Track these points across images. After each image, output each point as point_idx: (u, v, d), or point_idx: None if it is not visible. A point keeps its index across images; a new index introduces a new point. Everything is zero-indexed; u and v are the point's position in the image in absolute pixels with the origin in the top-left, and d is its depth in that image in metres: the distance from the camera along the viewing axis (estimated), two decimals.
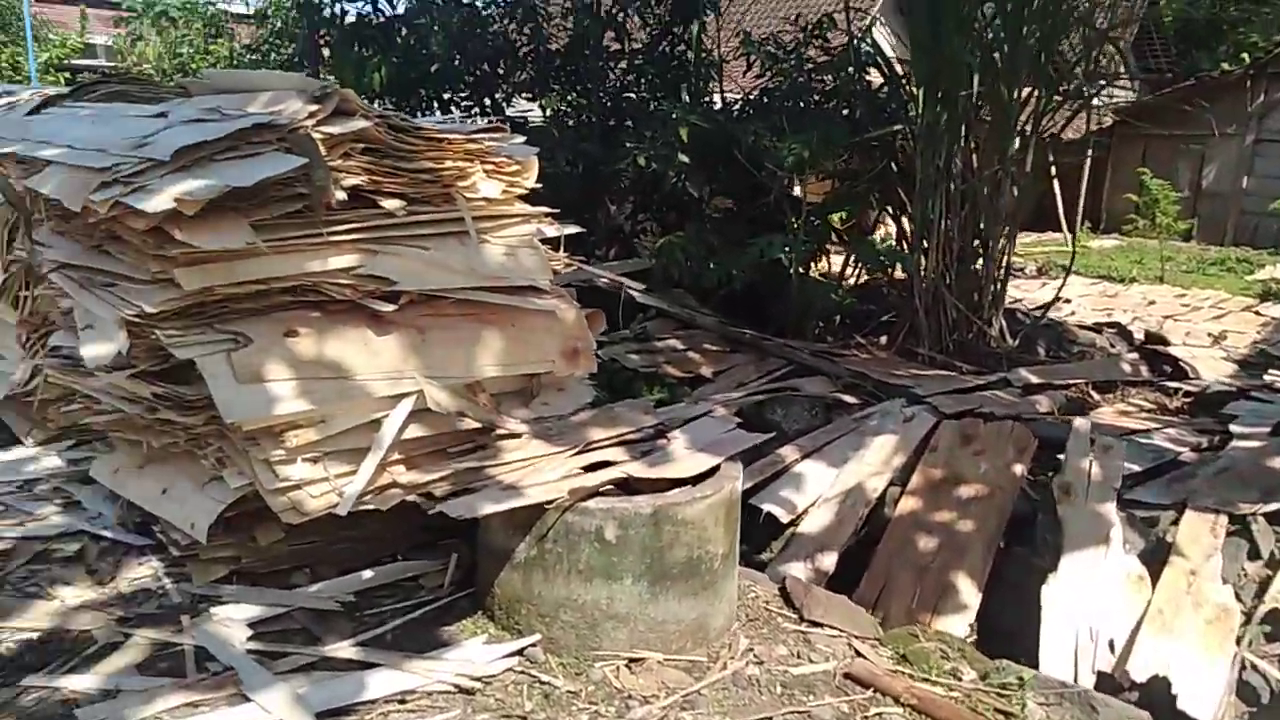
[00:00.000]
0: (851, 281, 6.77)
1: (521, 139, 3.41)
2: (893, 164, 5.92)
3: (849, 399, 4.85)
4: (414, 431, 2.84)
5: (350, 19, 6.16)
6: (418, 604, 2.88)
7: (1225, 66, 15.94)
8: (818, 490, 3.90)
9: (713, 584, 2.66)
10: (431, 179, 3.08)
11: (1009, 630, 3.24)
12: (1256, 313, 9.22)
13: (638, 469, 2.75)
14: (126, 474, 3.27)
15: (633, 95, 6.56)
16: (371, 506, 2.68)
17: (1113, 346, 6.86)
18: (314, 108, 2.85)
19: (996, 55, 5.54)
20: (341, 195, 2.72)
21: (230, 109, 2.86)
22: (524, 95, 6.17)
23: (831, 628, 2.88)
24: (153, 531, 3.21)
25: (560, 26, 6.21)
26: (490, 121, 3.52)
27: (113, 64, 16.95)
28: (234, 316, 2.67)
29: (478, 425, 3.01)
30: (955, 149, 5.67)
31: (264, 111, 2.85)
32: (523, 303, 3.14)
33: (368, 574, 3.01)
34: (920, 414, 4.38)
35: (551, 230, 3.45)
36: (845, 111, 6.00)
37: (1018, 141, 5.75)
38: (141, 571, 3.02)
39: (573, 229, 3.59)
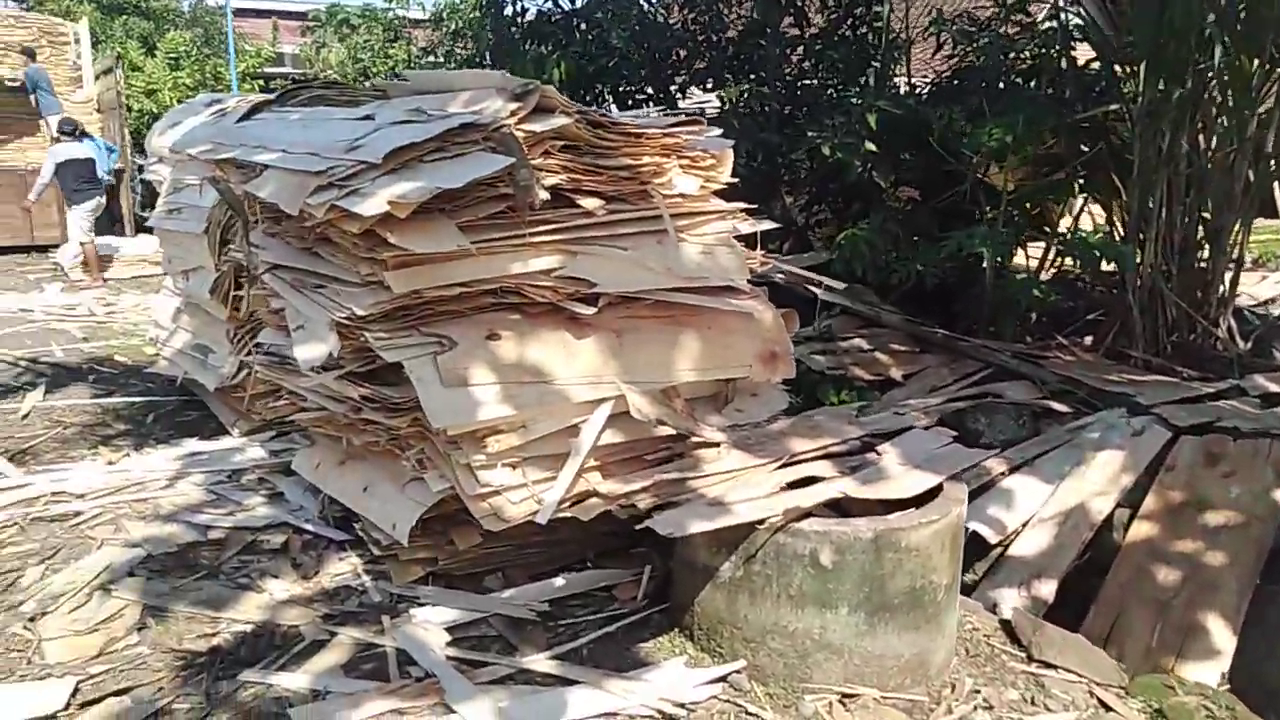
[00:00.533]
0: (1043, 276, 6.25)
1: (718, 131, 3.24)
2: (1104, 147, 5.38)
3: (1059, 407, 4.43)
4: (609, 438, 2.73)
5: (529, 16, 6.20)
6: (611, 616, 2.78)
7: None
8: (1030, 509, 3.56)
9: (935, 617, 2.42)
10: (628, 176, 2.97)
11: (1272, 683, 2.82)
12: None
13: (852, 487, 2.54)
14: (327, 469, 3.34)
15: (811, 82, 6.28)
16: (569, 515, 2.60)
17: None
18: (515, 105, 2.78)
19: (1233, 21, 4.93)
20: (544, 195, 2.64)
21: (433, 110, 2.83)
22: (701, 86, 6.01)
23: (1067, 671, 2.58)
24: (352, 527, 3.27)
25: (737, 14, 6.00)
26: (668, 113, 3.38)
27: (299, 71, 18.05)
28: (437, 319, 2.64)
29: (673, 432, 2.88)
30: (1181, 129, 5.09)
31: (466, 111, 2.81)
32: (720, 304, 2.98)
33: (559, 581, 2.94)
34: (1149, 426, 3.94)
35: (745, 226, 3.28)
36: (1049, 91, 5.50)
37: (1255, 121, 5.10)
38: (342, 567, 3.07)
39: (767, 224, 3.41)
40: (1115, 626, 3.05)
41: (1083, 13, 5.53)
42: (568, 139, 2.84)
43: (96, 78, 13.16)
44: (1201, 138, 5.36)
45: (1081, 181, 5.73)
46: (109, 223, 11.41)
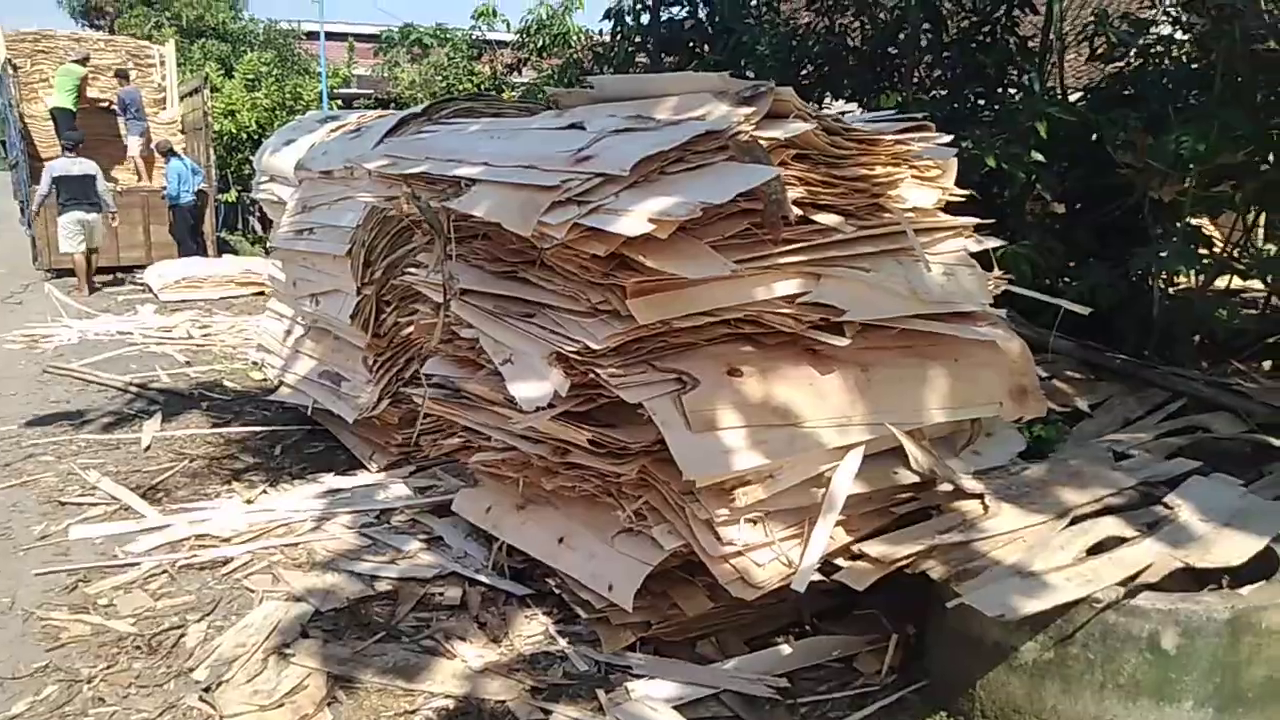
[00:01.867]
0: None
1: (947, 137, 2.88)
2: None
3: (1274, 442, 3.97)
4: (850, 487, 2.37)
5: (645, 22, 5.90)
6: (859, 694, 2.41)
7: None
8: None
9: None
10: (861, 188, 2.62)
11: None
12: None
13: (1166, 553, 2.14)
14: (503, 514, 3.02)
15: (946, 92, 5.89)
16: (827, 578, 2.24)
17: None
18: (746, 110, 2.45)
19: None
20: (797, 210, 2.30)
21: (656, 115, 2.52)
22: (843, 96, 5.67)
23: None
24: (531, 579, 2.95)
25: (882, 21, 5.63)
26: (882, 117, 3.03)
27: (368, 91, 18.08)
28: (669, 352, 2.31)
29: (916, 481, 2.52)
30: None
31: (692, 117, 2.49)
32: (967, 332, 2.62)
33: (786, 649, 2.58)
34: None
35: (974, 244, 2.92)
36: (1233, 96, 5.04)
37: None
38: (532, 628, 2.74)
39: (995, 241, 3.04)
40: None
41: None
42: (801, 147, 2.50)
43: (181, 99, 13.22)
44: None
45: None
46: (194, 243, 11.39)
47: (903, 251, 2.62)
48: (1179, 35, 5.44)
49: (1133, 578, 2.00)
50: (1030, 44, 6.28)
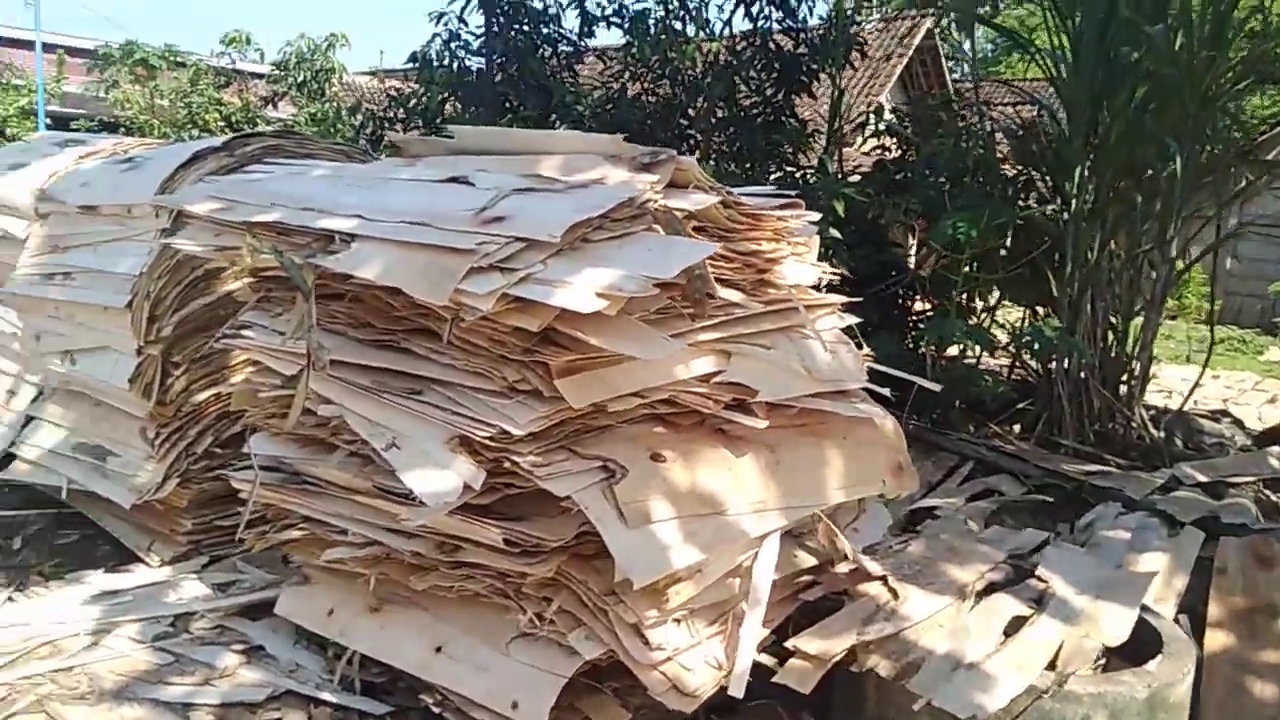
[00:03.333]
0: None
1: (816, 215, 2.93)
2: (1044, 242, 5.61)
3: (1050, 501, 4.41)
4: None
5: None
6: None
7: None
8: None
9: None
10: (752, 263, 2.58)
11: None
12: None
13: (1068, 633, 2.23)
14: (350, 618, 2.63)
15: (750, 164, 6.16)
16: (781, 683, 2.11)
17: (1233, 437, 6.59)
18: (648, 177, 2.33)
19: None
20: (720, 289, 2.20)
21: (537, 174, 2.33)
22: None
23: None
24: (388, 693, 2.57)
25: (680, 92, 5.77)
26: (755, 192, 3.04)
27: (82, 111, 16.04)
28: (586, 435, 2.10)
29: (814, 563, 2.48)
30: (1117, 229, 5.40)
31: (592, 180, 2.33)
32: (852, 410, 2.63)
33: None
34: (1149, 523, 3.96)
35: (840, 321, 2.98)
36: (991, 189, 5.68)
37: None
38: None
39: (852, 319, 3.13)
40: None
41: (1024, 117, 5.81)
42: (699, 220, 2.42)
43: None
44: (1125, 238, 5.71)
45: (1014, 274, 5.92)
46: None
47: (792, 329, 2.60)
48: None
49: (1053, 662, 2.05)
50: (809, 128, 6.77)
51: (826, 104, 6.41)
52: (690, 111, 6.01)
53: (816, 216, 2.94)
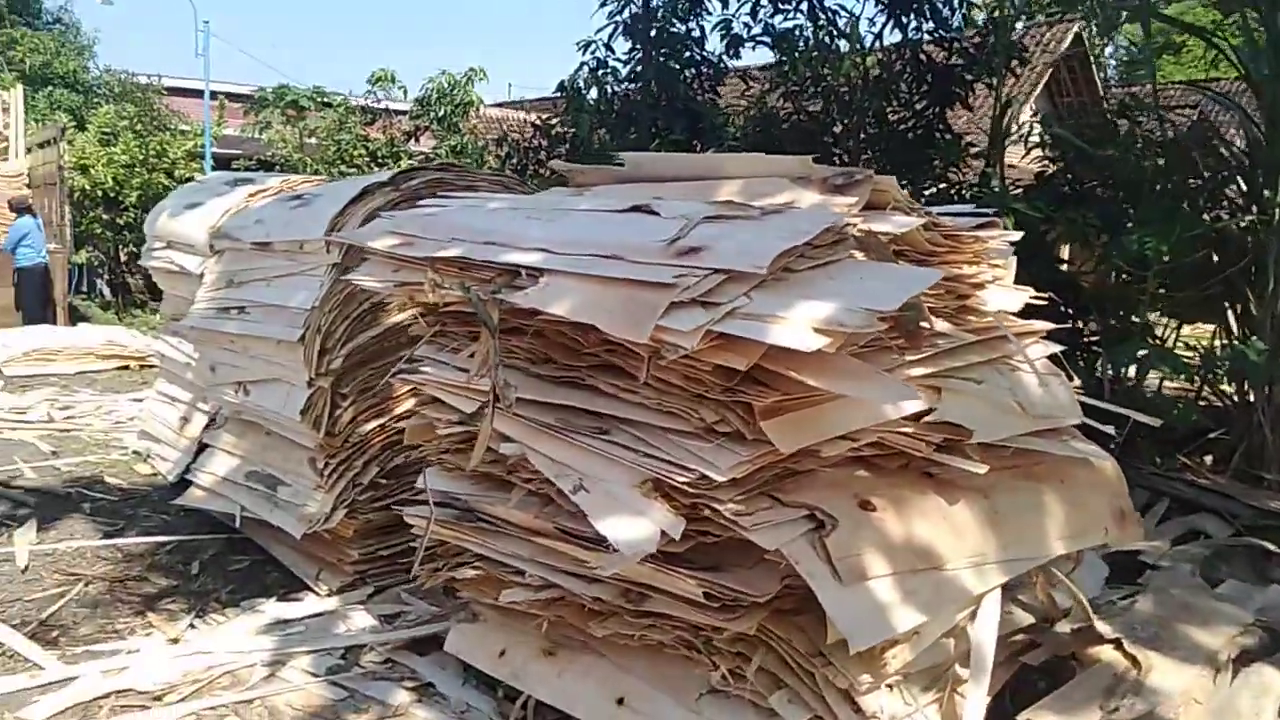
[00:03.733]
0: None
1: (1015, 234, 2.68)
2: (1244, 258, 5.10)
3: (1271, 548, 3.94)
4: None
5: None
6: None
7: None
8: None
9: None
10: (951, 288, 2.36)
11: None
12: None
13: None
14: (524, 661, 2.53)
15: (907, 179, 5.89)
16: None
17: None
18: (844, 200, 2.16)
19: None
20: (930, 320, 2.00)
21: (722, 200, 2.19)
22: None
23: None
24: None
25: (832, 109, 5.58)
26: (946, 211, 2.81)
27: (238, 151, 17.06)
28: (787, 480, 1.94)
29: (1031, 621, 2.23)
30: None
31: (782, 204, 2.18)
32: (1068, 450, 2.37)
33: None
34: None
35: (1045, 350, 2.72)
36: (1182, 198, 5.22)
37: None
38: None
39: (1055, 346, 2.85)
40: None
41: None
42: (900, 244, 2.22)
43: (29, 150, 12.00)
44: None
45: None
46: (43, 312, 10.18)
47: (1000, 359, 2.37)
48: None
49: None
50: (965, 140, 6.44)
51: (969, 115, 6.09)
52: (836, 129, 5.79)
53: (1016, 235, 2.71)
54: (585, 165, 2.98)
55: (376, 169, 11.17)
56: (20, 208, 10.11)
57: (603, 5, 5.54)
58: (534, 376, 2.25)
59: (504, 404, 2.09)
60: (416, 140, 11.23)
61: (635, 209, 2.29)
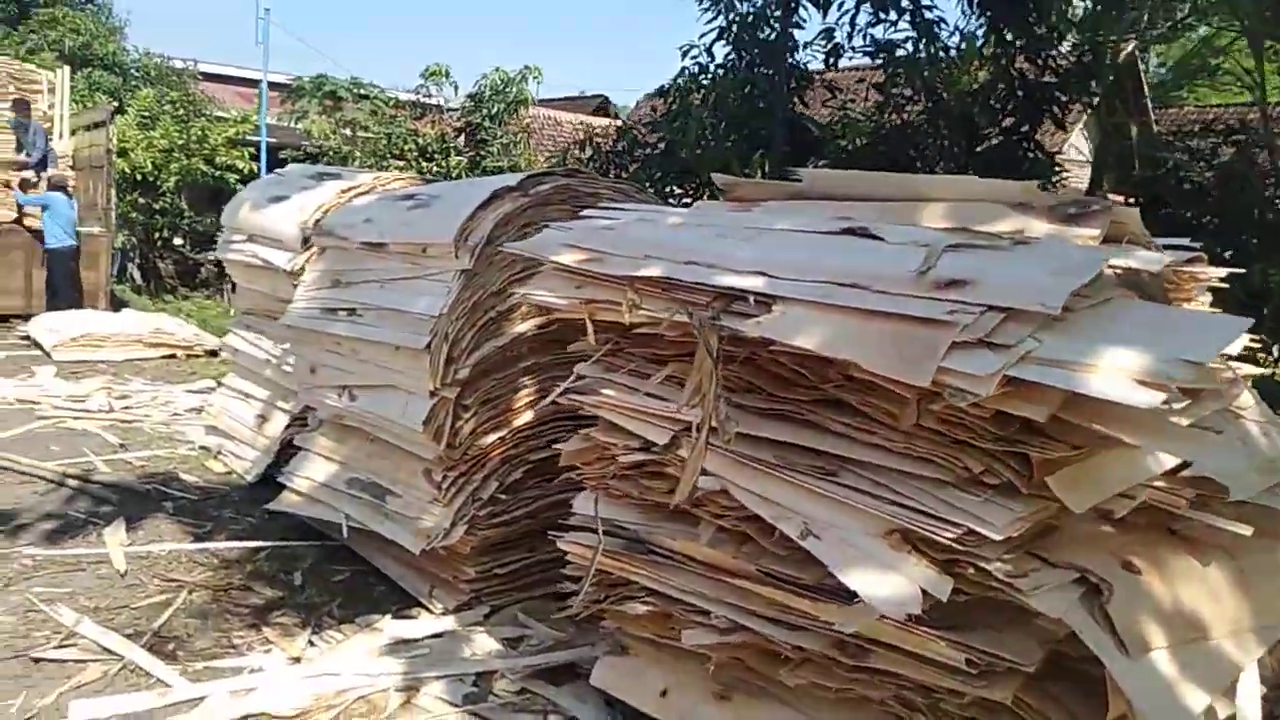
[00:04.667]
0: None
1: (1220, 270, 2.53)
2: None
3: None
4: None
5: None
6: None
7: None
8: None
9: None
10: None
11: None
12: None
13: None
14: (691, 703, 2.39)
15: None
16: None
17: None
18: (1083, 231, 2.02)
19: None
20: None
21: (961, 228, 2.05)
22: None
23: None
24: None
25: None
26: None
27: (275, 140, 16.95)
28: (1046, 539, 1.79)
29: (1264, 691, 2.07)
30: None
31: (1010, 231, 2.03)
32: None
33: None
34: None
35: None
36: None
37: None
38: None
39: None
40: None
41: None
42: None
43: (74, 132, 11.88)
44: None
45: None
46: (74, 291, 10.05)
47: (1230, 408, 2.22)
48: None
49: None
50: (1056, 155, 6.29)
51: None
52: (933, 142, 5.64)
53: (1222, 272, 2.55)
54: (749, 181, 2.83)
55: (426, 164, 11.04)
56: (58, 186, 10.00)
57: (703, 10, 5.40)
58: (735, 406, 2.10)
59: (723, 437, 1.95)
60: (470, 137, 11.10)
61: (848, 232, 2.14)
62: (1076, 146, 15.97)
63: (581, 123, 21.83)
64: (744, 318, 1.94)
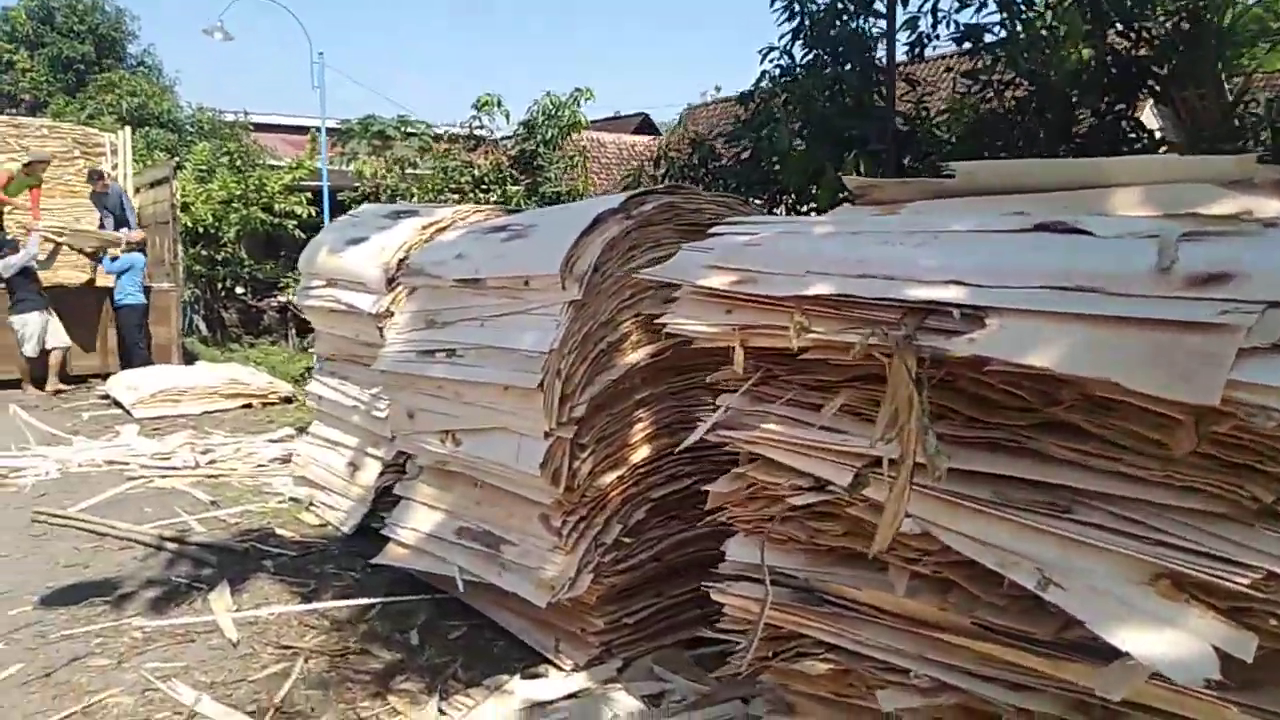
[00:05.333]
0: None
1: None
2: None
3: None
4: None
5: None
6: None
7: None
8: None
9: None
10: None
11: None
12: None
13: None
14: None
15: None
16: None
17: None
18: None
19: None
20: None
21: (1208, 214, 1.77)
22: None
23: None
24: None
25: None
26: None
27: (329, 184, 17.13)
28: None
29: None
30: None
31: (1224, 214, 1.75)
32: None
33: None
34: None
35: None
36: None
37: None
38: None
39: None
40: None
41: None
42: None
43: (138, 190, 12.06)
44: None
45: None
46: (144, 347, 10.14)
47: None
48: None
49: None
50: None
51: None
52: (1034, 125, 5.32)
53: None
54: (892, 180, 2.58)
55: (483, 195, 10.96)
56: (138, 245, 10.17)
57: (773, 8, 5.17)
58: (938, 438, 1.85)
59: (933, 475, 1.69)
60: (526, 164, 10.99)
61: (1041, 228, 1.88)
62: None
63: (626, 143, 21.78)
64: (946, 334, 1.69)
